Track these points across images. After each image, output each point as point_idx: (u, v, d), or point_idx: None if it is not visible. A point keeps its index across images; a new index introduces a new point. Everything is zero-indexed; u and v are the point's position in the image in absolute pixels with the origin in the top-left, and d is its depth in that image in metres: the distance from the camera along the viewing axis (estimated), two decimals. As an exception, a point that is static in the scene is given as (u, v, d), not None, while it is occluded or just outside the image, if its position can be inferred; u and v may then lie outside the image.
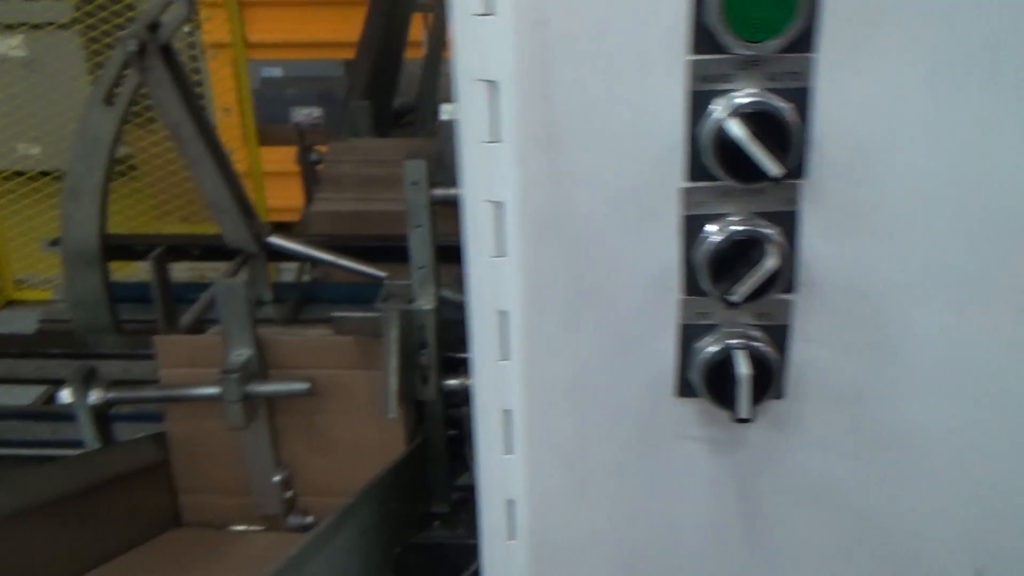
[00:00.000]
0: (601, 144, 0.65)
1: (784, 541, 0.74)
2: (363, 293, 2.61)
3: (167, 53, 2.01)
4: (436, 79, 3.53)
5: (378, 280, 2.30)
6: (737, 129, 0.60)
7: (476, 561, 1.83)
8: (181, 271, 3.32)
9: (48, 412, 2.05)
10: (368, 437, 1.68)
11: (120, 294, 2.35)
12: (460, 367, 1.85)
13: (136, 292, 2.52)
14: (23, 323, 2.95)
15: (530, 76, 0.64)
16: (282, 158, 4.15)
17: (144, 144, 5.86)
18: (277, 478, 1.67)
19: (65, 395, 1.54)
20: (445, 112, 2.59)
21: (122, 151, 6.05)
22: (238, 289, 1.56)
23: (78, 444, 2.02)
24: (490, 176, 0.70)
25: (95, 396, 1.55)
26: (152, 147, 5.87)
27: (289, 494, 1.70)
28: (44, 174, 4.96)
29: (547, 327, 0.72)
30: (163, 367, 1.64)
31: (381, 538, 1.46)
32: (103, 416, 1.58)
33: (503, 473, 0.79)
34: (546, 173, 0.67)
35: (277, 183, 4.91)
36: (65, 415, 2.06)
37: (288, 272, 2.86)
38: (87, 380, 1.55)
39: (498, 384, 0.77)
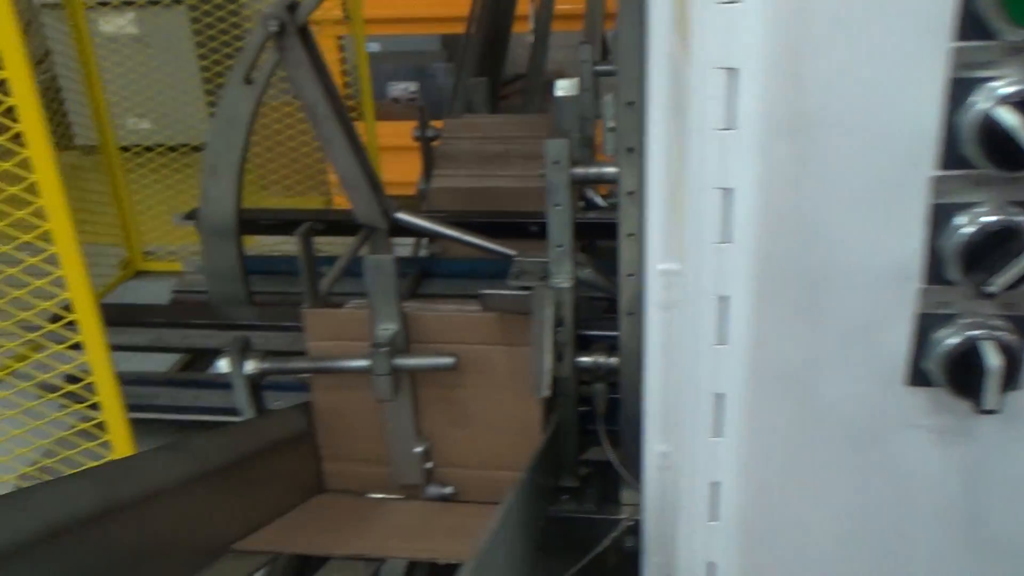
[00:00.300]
0: (851, 131, 0.65)
1: (1008, 534, 0.73)
2: (480, 268, 2.65)
3: (304, 34, 2.05)
4: (544, 54, 3.52)
5: (504, 257, 2.33)
6: (1009, 116, 0.59)
7: (610, 534, 1.85)
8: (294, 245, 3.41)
9: (191, 379, 2.14)
10: (506, 412, 1.71)
11: (249, 267, 2.43)
12: (591, 345, 1.86)
13: (260, 265, 2.60)
14: (152, 293, 3.08)
15: (780, 64, 0.64)
16: (384, 132, 4.20)
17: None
18: (418, 449, 1.71)
19: (223, 365, 1.60)
20: (560, 88, 2.59)
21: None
22: (387, 265, 1.59)
23: (220, 411, 2.11)
24: (722, 163, 0.70)
25: (251, 366, 1.61)
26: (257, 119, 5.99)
27: (428, 465, 1.74)
28: (149, 149, 5.13)
29: (775, 313, 0.72)
30: (311, 339, 1.69)
31: (534, 511, 1.48)
32: (256, 385, 1.64)
33: (710, 455, 0.79)
34: (788, 160, 0.67)
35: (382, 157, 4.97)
36: (206, 382, 2.15)
37: (402, 247, 2.90)
38: (243, 351, 1.60)
39: (713, 368, 0.78)
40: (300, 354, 1.99)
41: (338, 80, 4.95)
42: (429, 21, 5.50)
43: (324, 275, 2.65)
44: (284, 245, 3.18)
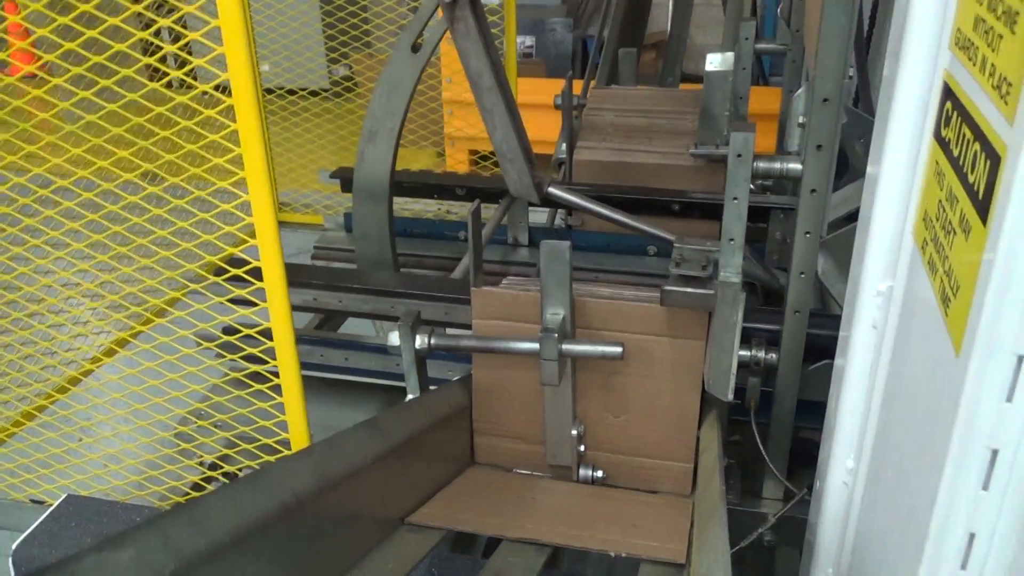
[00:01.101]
0: None
1: None
2: (617, 243, 2.64)
3: (475, 5, 2.04)
4: (686, 21, 3.44)
5: (649, 236, 2.31)
6: None
7: (756, 529, 1.85)
8: (428, 205, 3.44)
9: (346, 341, 2.19)
10: (664, 402, 1.71)
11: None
12: (751, 339, 1.84)
13: (401, 226, 2.64)
14: (292, 247, 3.16)
15: None
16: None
17: (366, 66, 6.05)
18: (574, 432, 1.72)
19: (394, 337, 1.63)
20: (711, 63, 2.53)
21: (343, 72, 6.26)
22: (563, 251, 1.59)
23: (371, 373, 2.16)
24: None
25: (420, 341, 1.64)
26: (369, 71, 6.04)
27: (581, 448, 1.76)
28: (269, 92, 5.21)
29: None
30: (477, 317, 1.71)
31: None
32: (422, 359, 1.67)
33: (995, 421, 0.77)
34: None
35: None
36: (357, 344, 2.20)
37: (539, 216, 2.90)
38: (415, 325, 1.63)
39: (995, 424, 0.76)
40: (456, 325, 2.02)
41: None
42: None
43: (462, 240, 2.69)
44: (414, 205, 3.22)
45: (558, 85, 3.16)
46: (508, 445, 1.80)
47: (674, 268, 1.91)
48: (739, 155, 1.67)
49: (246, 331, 1.86)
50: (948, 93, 0.98)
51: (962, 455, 0.80)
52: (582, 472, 1.76)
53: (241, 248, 1.78)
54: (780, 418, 1.87)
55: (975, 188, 0.81)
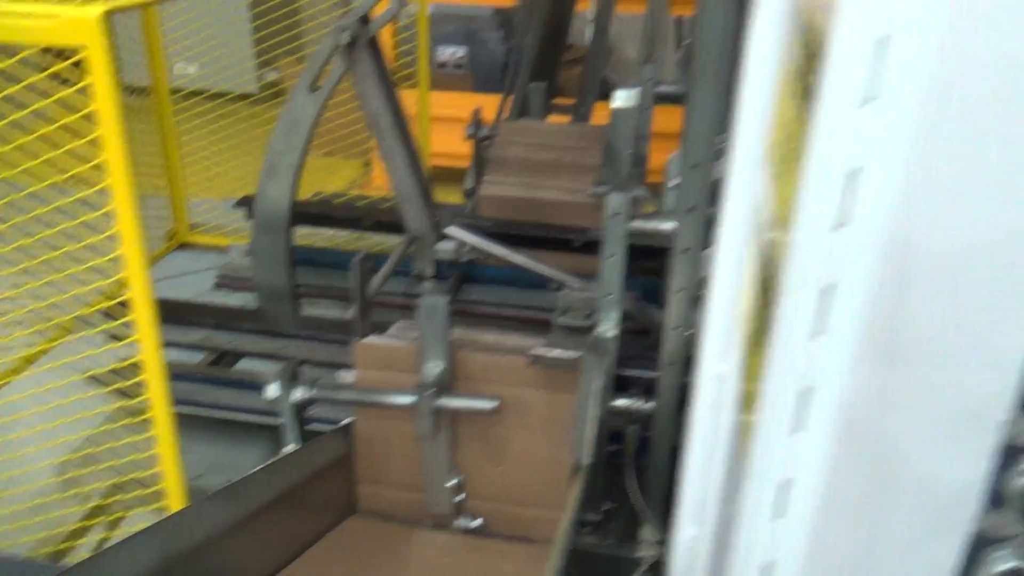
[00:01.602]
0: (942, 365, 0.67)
1: None
2: (520, 277, 2.67)
3: (373, 45, 2.05)
4: (603, 53, 3.48)
5: (551, 279, 2.34)
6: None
7: (631, 573, 1.89)
8: (332, 237, 3.41)
9: (230, 379, 2.18)
10: (540, 452, 1.75)
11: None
12: (627, 385, 1.89)
13: (305, 255, 2.64)
14: (195, 265, 3.13)
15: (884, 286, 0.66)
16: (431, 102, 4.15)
17: (295, 71, 5.98)
18: (452, 482, 1.75)
19: (272, 390, 1.64)
20: (618, 99, 2.57)
21: (272, 76, 6.19)
22: (440, 307, 1.62)
23: (256, 411, 2.16)
24: (811, 363, 0.72)
25: (298, 394, 1.65)
26: (298, 77, 5.97)
27: (461, 497, 1.78)
28: (197, 94, 5.13)
29: (841, 499, 0.75)
30: (359, 369, 1.73)
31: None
32: (302, 408, 1.68)
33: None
34: (875, 377, 0.69)
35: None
36: (247, 383, 2.20)
37: (445, 250, 2.91)
38: (293, 378, 1.64)
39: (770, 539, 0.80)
40: (347, 366, 2.03)
41: (391, 43, 4.91)
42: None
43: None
44: (326, 231, 3.20)
45: (481, 99, 3.18)
46: (391, 494, 1.82)
47: (558, 317, 1.96)
48: (615, 214, 1.72)
49: (117, 365, 1.84)
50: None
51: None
52: (460, 521, 1.79)
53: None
54: (658, 464, 1.92)
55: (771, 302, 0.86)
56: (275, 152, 2.20)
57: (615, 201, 1.70)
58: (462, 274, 2.74)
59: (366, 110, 2.10)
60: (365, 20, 2.01)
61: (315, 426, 1.81)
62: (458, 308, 2.74)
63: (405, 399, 1.64)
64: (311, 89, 2.12)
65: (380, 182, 5.60)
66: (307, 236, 2.98)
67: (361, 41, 2.02)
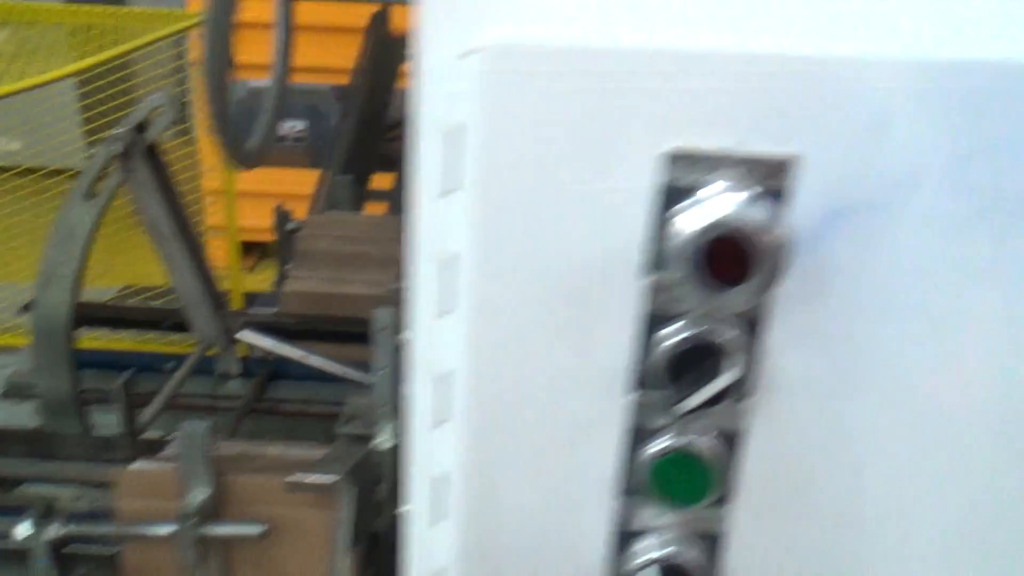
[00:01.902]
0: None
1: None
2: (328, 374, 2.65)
3: (152, 153, 2.02)
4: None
5: (346, 379, 2.34)
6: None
7: None
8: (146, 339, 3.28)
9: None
10: (320, 571, 1.71)
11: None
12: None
13: (92, 358, 2.54)
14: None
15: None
16: (258, 177, 4.10)
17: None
18: (226, 611, 1.70)
19: (22, 530, 1.56)
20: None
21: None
22: (198, 435, 1.58)
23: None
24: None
25: (53, 531, 1.57)
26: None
27: (240, 624, 1.73)
28: (28, 171, 4.91)
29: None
30: (122, 497, 1.66)
31: None
32: (59, 547, 1.61)
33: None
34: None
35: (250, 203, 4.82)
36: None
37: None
38: (46, 515, 1.57)
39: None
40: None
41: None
42: (322, 71, 5.39)
43: (169, 370, 2.62)
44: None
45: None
46: (167, 622, 1.75)
47: (342, 426, 1.95)
48: (383, 328, 1.73)
49: None
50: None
51: None
52: (239, 650, 1.73)
53: None
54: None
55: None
56: (50, 262, 2.12)
57: (383, 316, 1.71)
58: (271, 370, 2.70)
59: (144, 218, 2.06)
60: (141, 128, 1.99)
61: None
62: (266, 407, 2.69)
63: (166, 529, 1.58)
64: (87, 197, 2.07)
65: (218, 261, 5.47)
66: (106, 338, 2.87)
67: (137, 150, 1.98)
